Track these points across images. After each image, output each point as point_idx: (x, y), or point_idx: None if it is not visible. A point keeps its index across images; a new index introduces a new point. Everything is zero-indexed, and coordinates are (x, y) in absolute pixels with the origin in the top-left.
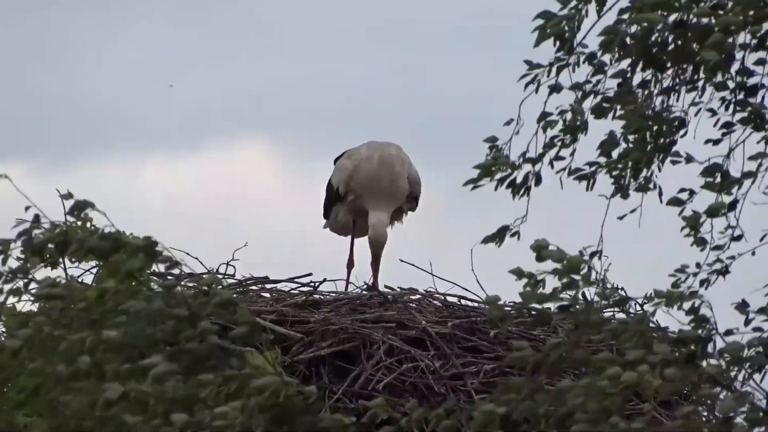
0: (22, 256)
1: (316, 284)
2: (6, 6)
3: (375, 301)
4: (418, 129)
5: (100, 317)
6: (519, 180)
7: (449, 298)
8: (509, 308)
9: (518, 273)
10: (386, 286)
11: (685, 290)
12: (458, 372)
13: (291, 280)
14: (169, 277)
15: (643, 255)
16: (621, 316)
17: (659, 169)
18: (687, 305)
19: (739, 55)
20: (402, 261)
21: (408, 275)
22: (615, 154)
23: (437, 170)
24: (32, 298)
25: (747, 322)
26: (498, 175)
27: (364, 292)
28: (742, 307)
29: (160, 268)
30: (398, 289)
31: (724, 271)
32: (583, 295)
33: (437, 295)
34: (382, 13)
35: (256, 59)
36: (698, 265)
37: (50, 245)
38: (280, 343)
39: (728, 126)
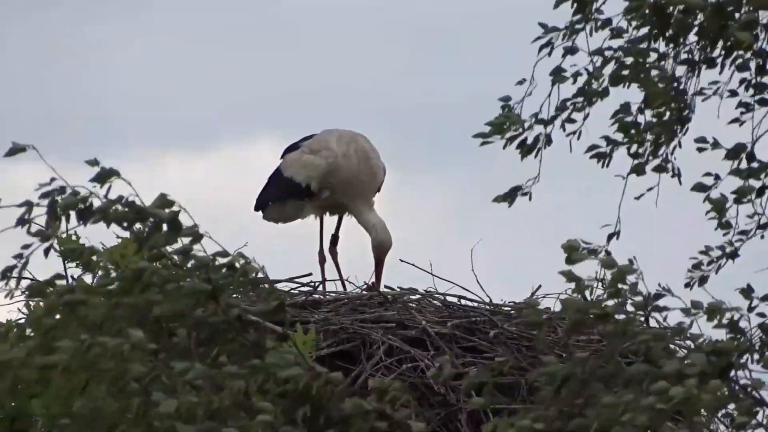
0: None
1: (316, 284)
2: (18, 3)
3: (375, 301)
4: (426, 129)
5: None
6: (530, 141)
7: (449, 298)
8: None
9: (568, 276)
10: (386, 286)
11: (727, 304)
12: (458, 372)
13: (291, 280)
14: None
15: (659, 235)
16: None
17: (680, 146)
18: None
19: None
20: (402, 261)
21: (408, 275)
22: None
23: (439, 170)
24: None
25: (750, 309)
26: (508, 134)
27: (364, 292)
28: (747, 292)
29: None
30: (398, 289)
31: (733, 254)
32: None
33: (437, 295)
34: (402, 15)
35: (275, 58)
36: (721, 248)
37: (72, 212)
38: None
39: (746, 106)
